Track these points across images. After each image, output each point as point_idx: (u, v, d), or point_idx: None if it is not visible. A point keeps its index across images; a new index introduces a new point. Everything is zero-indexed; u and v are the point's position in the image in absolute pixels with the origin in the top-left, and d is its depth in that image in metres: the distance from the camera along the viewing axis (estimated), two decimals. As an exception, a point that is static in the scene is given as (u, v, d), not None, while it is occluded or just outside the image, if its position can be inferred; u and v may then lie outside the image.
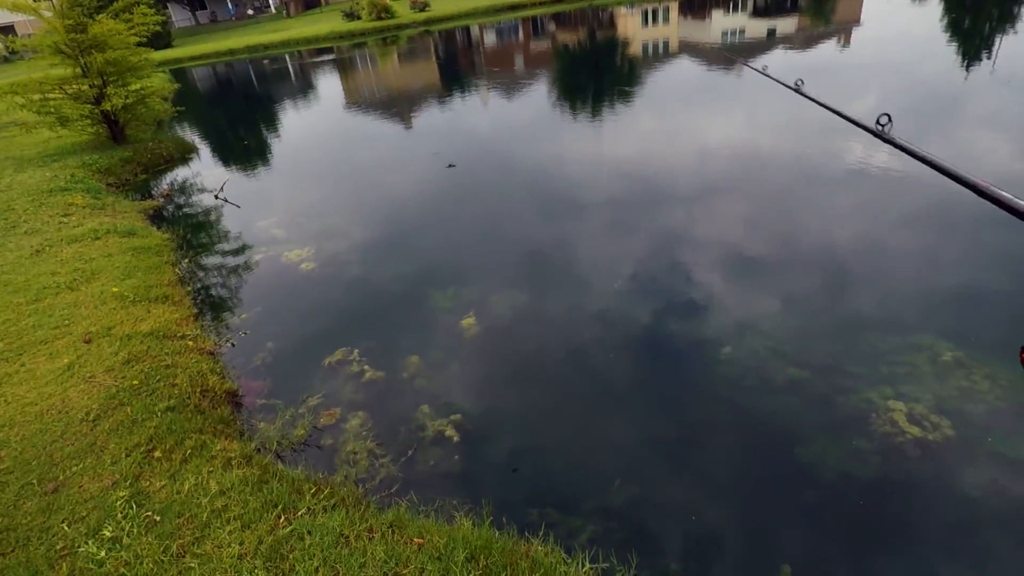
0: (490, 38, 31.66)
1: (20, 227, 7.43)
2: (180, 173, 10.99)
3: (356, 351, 4.52)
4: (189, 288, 5.98)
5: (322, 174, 10.05)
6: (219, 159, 11.99)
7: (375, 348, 4.57)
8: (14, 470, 3.27)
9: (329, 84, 22.47)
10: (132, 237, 7.07)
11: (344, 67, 27.49)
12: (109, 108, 10.80)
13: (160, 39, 36.01)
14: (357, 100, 17.68)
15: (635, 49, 19.72)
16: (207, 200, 9.04)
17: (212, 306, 5.62)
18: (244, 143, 13.37)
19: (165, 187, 9.81)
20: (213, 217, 8.32)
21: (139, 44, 11.41)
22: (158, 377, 4.08)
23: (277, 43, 38.21)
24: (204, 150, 12.67)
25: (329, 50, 33.95)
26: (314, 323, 5.18)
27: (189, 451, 3.32)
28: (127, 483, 3.08)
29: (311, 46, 36.59)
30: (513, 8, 39.60)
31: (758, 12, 24.65)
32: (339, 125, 14.35)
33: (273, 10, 54.56)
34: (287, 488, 2.93)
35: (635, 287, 4.99)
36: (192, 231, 7.84)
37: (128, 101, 11.00)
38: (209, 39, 44.01)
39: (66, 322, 4.91)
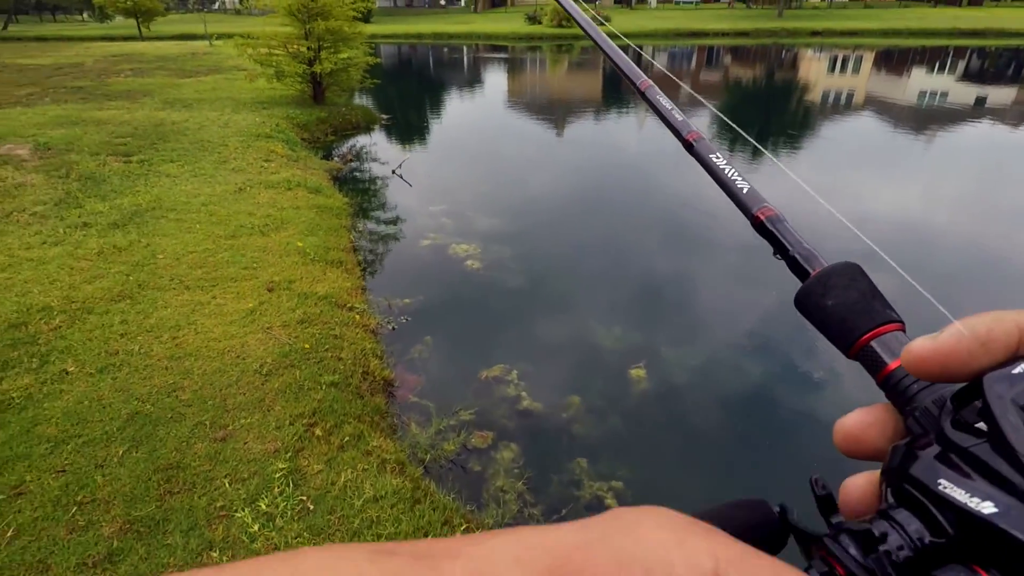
0: (660, 61, 30.88)
1: (229, 163, 8.07)
2: (362, 141, 11.55)
3: (515, 372, 4.30)
4: (360, 257, 6.11)
5: (489, 170, 10.09)
6: (396, 135, 12.48)
7: (534, 374, 4.32)
8: (192, 404, 3.36)
9: (497, 80, 23.15)
10: (318, 194, 7.41)
11: (513, 66, 28.10)
12: (319, 71, 11.57)
13: (365, 15, 39.01)
14: (519, 99, 18.04)
15: (814, 96, 18.24)
16: (383, 172, 9.36)
17: (379, 282, 5.67)
18: (420, 123, 13.87)
19: (349, 152, 10.31)
20: (388, 191, 8.57)
21: (354, 18, 12.18)
22: (326, 346, 4.10)
23: (461, 34, 39.91)
24: (385, 124, 13.29)
25: (503, 48, 34.95)
26: (474, 327, 5.04)
27: (347, 438, 3.24)
28: (287, 455, 3.04)
29: (490, 42, 37.85)
30: (695, 35, 38.51)
31: (969, 76, 21.74)
32: (499, 121, 14.47)
33: (463, 3, 57.12)
34: (438, 515, 2.74)
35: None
36: (367, 200, 8.12)
37: (336, 67, 11.71)
38: (403, 21, 46.90)
39: (254, 265, 5.14)
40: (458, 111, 15.94)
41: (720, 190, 0.65)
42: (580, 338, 4.88)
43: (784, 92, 19.58)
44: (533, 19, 40.91)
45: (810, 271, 0.47)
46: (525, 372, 4.33)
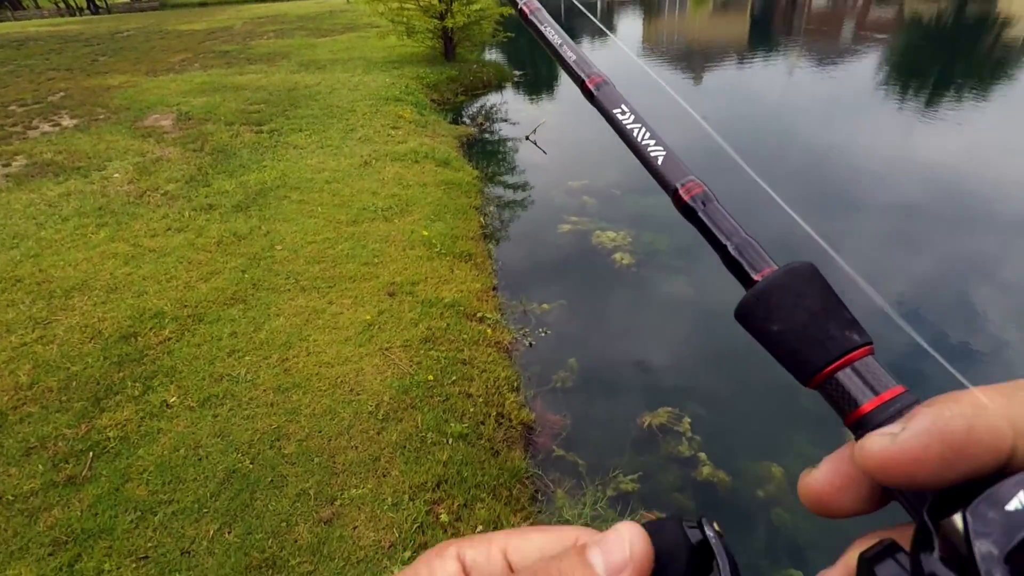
0: None
1: (357, 132, 7.54)
2: (493, 101, 10.66)
3: (687, 420, 3.28)
4: (491, 247, 5.28)
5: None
6: (528, 93, 11.43)
7: (713, 424, 3.28)
8: (297, 461, 2.72)
9: (630, 26, 21.24)
10: (446, 168, 6.66)
11: (650, 9, 25.65)
12: (451, 25, 10.73)
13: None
14: (654, 46, 16.51)
15: (1015, 33, 14.47)
16: (515, 137, 8.43)
17: (513, 280, 4.81)
18: (553, 80, 12.67)
19: (479, 114, 9.46)
20: (521, 161, 7.64)
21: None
22: (453, 376, 3.32)
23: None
24: (517, 80, 12.26)
25: None
26: (628, 348, 4.05)
27: (479, 526, 2.44)
28: (404, 552, 2.30)
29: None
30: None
31: None
32: (646, 77, 12.80)
33: (602, -57, 53.33)
34: None
35: None
36: (498, 172, 7.25)
37: (468, 20, 10.80)
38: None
39: (375, 260, 4.48)
40: (604, 65, 14.45)
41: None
42: (772, 374, 3.69)
43: (975, 29, 16.08)
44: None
45: (751, 274, 0.35)
46: (700, 420, 3.30)
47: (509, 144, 8.26)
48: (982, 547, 0.19)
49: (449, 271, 4.46)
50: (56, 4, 47.20)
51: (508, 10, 11.17)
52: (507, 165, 7.49)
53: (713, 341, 4.00)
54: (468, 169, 6.85)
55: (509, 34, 12.02)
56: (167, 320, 3.73)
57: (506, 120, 9.40)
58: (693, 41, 17.36)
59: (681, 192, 0.41)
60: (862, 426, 0.27)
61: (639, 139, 0.47)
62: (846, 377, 0.29)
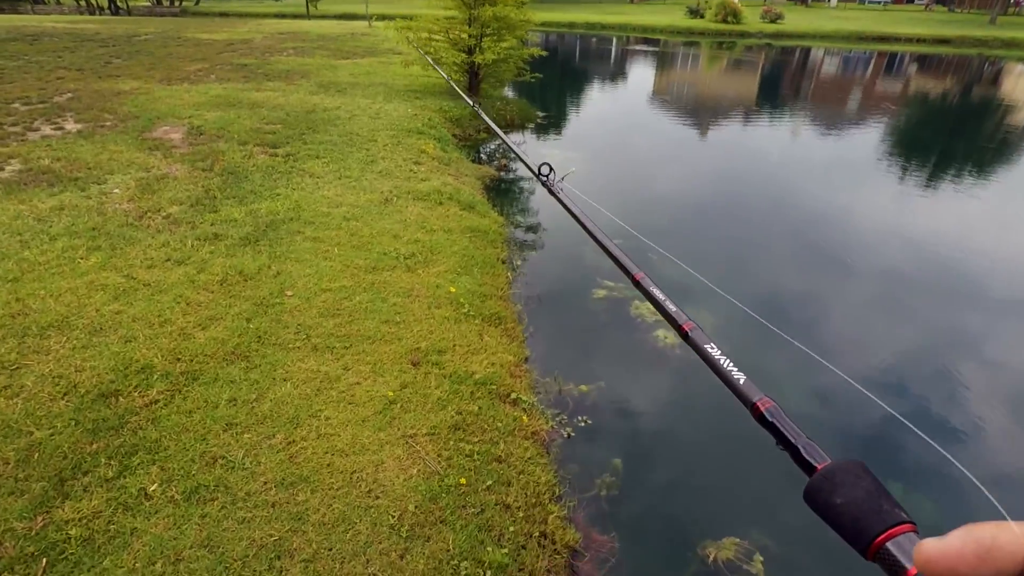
0: (830, 67, 27.14)
1: (377, 164, 7.12)
2: (517, 142, 10.34)
3: (758, 558, 2.78)
4: (522, 308, 4.80)
5: (665, 190, 8.44)
6: (552, 136, 11.13)
7: (792, 565, 2.77)
8: (299, 590, 2.19)
9: (643, 74, 21.50)
10: (471, 212, 6.24)
11: (663, 61, 26.00)
12: (480, 61, 10.48)
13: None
14: (663, 95, 16.72)
15: (1019, 119, 14.67)
16: (538, 183, 8.06)
17: (547, 350, 4.33)
18: (577, 123, 12.42)
19: (502, 156, 9.11)
20: (547, 210, 7.24)
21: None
22: (487, 480, 2.81)
23: (614, 25, 37.96)
24: (540, 122, 11.99)
25: (655, 42, 32.77)
26: (680, 454, 3.56)
27: None
28: None
29: (646, 34, 35.57)
30: (883, 39, 33.68)
31: None
32: (674, 129, 12.60)
33: (619, -8, 54.56)
34: None
35: None
36: (525, 220, 6.83)
37: (498, 58, 10.55)
38: (554, 9, 45.53)
39: (398, 317, 3.99)
40: (618, 112, 14.32)
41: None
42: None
43: (979, 111, 16.22)
44: (695, 12, 37.94)
45: (814, 465, 0.50)
46: (775, 558, 2.78)
47: (535, 191, 7.87)
48: None
49: (478, 337, 3.98)
50: (77, 2, 47.35)
51: (540, 51, 10.96)
52: (533, 214, 7.08)
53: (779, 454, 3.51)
54: (493, 215, 6.43)
55: (536, 75, 11.79)
56: (156, 376, 3.20)
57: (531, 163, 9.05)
58: (702, 95, 17.48)
59: (758, 404, 0.62)
60: None
61: (725, 367, 0.69)
62: (897, 546, 0.37)
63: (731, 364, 0.67)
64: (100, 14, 40.39)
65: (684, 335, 0.73)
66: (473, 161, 8.71)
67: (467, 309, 4.24)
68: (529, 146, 10.07)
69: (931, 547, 0.31)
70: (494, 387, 3.49)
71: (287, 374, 3.34)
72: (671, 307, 0.81)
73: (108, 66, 12.65)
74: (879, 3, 45.10)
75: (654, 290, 0.84)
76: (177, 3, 49.06)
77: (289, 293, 4.16)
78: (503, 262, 5.46)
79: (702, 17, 37.42)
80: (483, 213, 6.35)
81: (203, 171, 6.41)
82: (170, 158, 6.74)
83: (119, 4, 45.89)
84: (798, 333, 4.74)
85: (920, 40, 33.19)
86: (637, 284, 0.86)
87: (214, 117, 8.48)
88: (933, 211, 8.04)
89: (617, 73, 21.85)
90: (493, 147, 10.08)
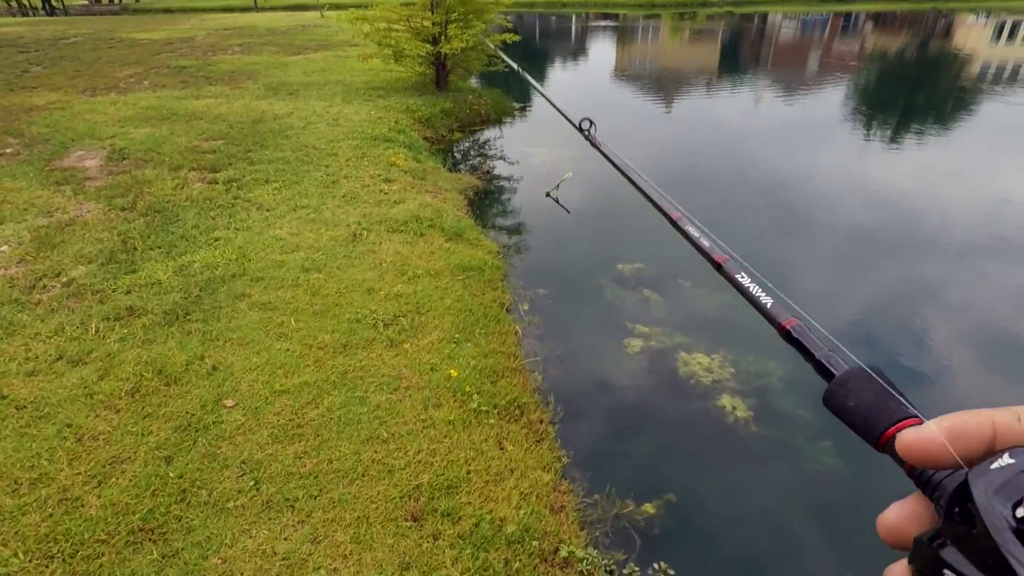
0: (788, 30, 26.60)
1: (340, 185, 5.83)
2: (494, 140, 9.08)
3: None
4: (541, 376, 3.66)
5: (681, 181, 7.31)
6: (531, 132, 9.88)
7: None
8: None
9: (604, 50, 20.71)
10: (459, 242, 5.03)
11: (623, 36, 25.03)
12: (447, 51, 9.13)
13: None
14: (626, 73, 16.17)
15: (973, 69, 14.73)
16: (529, 190, 6.87)
17: (586, 445, 3.20)
18: (555, 116, 11.19)
19: (484, 161, 7.85)
20: (545, 227, 6.07)
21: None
22: None
23: (576, 2, 36.58)
24: (517, 113, 10.71)
25: (614, 16, 31.59)
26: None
27: None
28: None
29: (607, 9, 34.34)
30: (845, 0, 32.99)
31: None
32: (666, 115, 11.48)
33: (576, -31, 52.74)
34: None
35: None
36: (522, 244, 5.64)
37: (466, 46, 9.21)
38: (514, -12, 43.74)
39: (383, 431, 2.81)
40: (597, 96, 13.12)
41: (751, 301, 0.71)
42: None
43: (935, 63, 16.45)
44: (654, -15, 36.56)
45: (834, 372, 0.52)
46: None
47: (525, 201, 6.67)
48: (978, 488, 0.28)
49: (497, 447, 2.83)
50: (7, 3, 43.61)
51: (513, 36, 9.65)
52: (531, 234, 5.88)
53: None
54: (486, 243, 5.23)
55: (505, 65, 10.47)
56: (8, 604, 1.98)
57: (513, 164, 7.82)
58: (665, 68, 16.97)
59: (784, 323, 0.64)
60: (914, 471, 0.36)
61: (754, 294, 0.72)
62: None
63: (759, 290, 0.71)
64: (33, 15, 37.17)
65: (718, 267, 0.80)
66: (450, 169, 7.45)
67: (476, 402, 3.07)
68: (512, 144, 8.81)
69: (909, 434, 0.34)
70: (535, 543, 2.36)
71: (225, 563, 2.15)
72: (704, 242, 0.86)
73: (24, 76, 10.90)
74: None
75: (689, 228, 0.90)
76: (117, 1, 45.63)
77: (229, 403, 2.93)
78: (507, 310, 4.29)
79: (663, -10, 36.17)
80: (474, 241, 5.14)
81: (122, 211, 5.05)
82: (81, 194, 5.34)
83: (54, 4, 42.41)
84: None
85: None
86: (674, 223, 0.94)
87: (142, 135, 7.03)
88: (885, 163, 8.14)
89: (580, 51, 21.00)
90: (468, 145, 8.81)
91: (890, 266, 5.28)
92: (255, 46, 15.18)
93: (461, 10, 9.27)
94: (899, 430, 0.40)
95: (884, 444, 0.41)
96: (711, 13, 32.64)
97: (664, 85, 14.26)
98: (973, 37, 21.97)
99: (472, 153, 8.45)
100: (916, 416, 0.41)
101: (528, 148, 8.42)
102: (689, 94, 13.19)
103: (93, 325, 3.48)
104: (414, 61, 9.70)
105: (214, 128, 7.41)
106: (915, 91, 13.50)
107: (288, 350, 3.34)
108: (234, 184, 5.68)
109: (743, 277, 0.75)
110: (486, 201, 6.64)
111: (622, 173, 1.26)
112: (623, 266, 5.04)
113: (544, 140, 8.82)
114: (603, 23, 30.02)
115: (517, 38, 9.74)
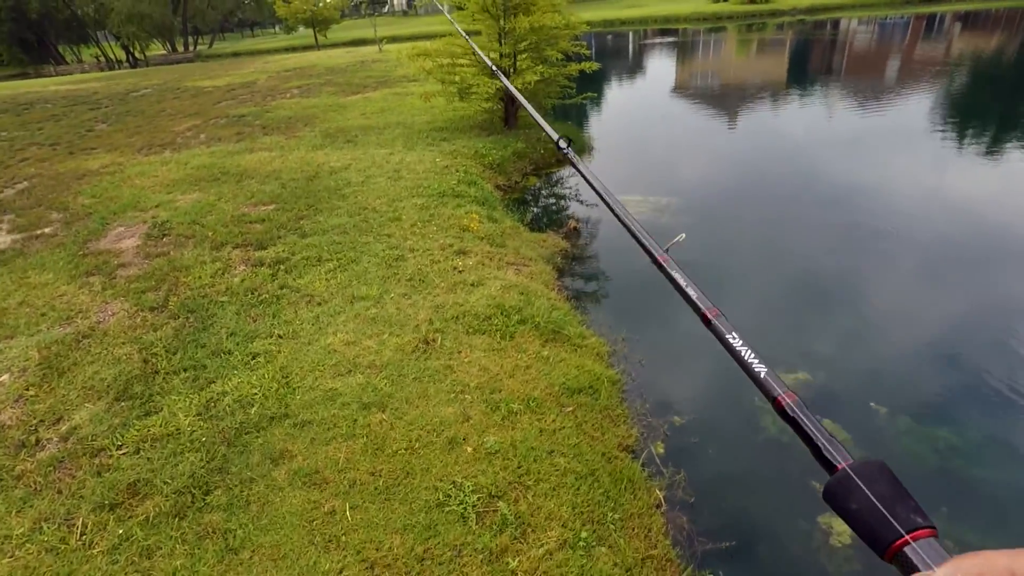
0: (864, 36, 24.44)
1: (406, 262, 4.79)
2: (572, 184, 7.91)
3: None
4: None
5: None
6: (617, 172, 8.65)
7: None
8: None
9: (664, 68, 19.65)
10: (557, 342, 3.85)
11: (684, 51, 23.56)
12: (520, 86, 8.07)
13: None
14: (686, 90, 15.01)
15: None
16: (628, 255, 5.62)
17: None
18: (638, 148, 9.90)
19: (569, 217, 6.67)
20: (653, 306, 4.80)
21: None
22: None
23: (634, 19, 35.34)
24: (593, 148, 9.52)
25: (673, 31, 30.14)
26: None
27: None
28: None
29: (669, 25, 32.88)
30: (932, 1, 30.21)
31: None
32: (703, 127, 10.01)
33: (630, -15, 51.55)
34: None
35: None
36: (629, 334, 4.37)
37: (539, 79, 8.13)
38: (571, 10, 42.99)
39: None
40: (651, 114, 11.88)
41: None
42: None
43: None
44: (717, -5, 34.94)
45: (835, 464, 0.49)
46: None
47: (626, 269, 5.43)
48: None
49: None
50: (97, 58, 46.73)
51: (592, 65, 8.49)
52: (641, 320, 4.62)
53: None
54: (590, 340, 4.02)
55: (589, 94, 9.34)
56: None
57: (602, 217, 6.61)
58: (728, 83, 15.90)
59: (780, 399, 0.60)
60: None
61: (746, 358, 0.66)
62: (914, 552, 0.37)
63: (753, 355, 0.64)
64: (119, 68, 39.50)
65: (707, 322, 0.72)
66: (530, 226, 6.32)
67: None
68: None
69: None
70: None
71: None
72: (692, 292, 0.77)
73: (87, 136, 10.68)
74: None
75: (675, 274, 0.82)
76: (191, 48, 48.10)
77: None
78: (642, 464, 3.04)
79: (726, 0, 34.41)
80: (576, 340, 3.94)
81: (151, 311, 4.17)
82: (110, 289, 4.53)
83: (136, 56, 45.11)
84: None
85: (972, -3, 29.70)
86: (660, 266, 0.86)
87: (188, 203, 6.30)
88: (979, 175, 7.19)
89: (637, 69, 19.94)
90: (545, 192, 7.68)
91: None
92: (314, 87, 14.76)
93: (532, 39, 8.23)
94: (908, 543, 0.38)
95: (893, 556, 0.39)
96: (781, 22, 30.63)
97: (725, 101, 13.25)
98: None
99: (551, 203, 7.32)
100: (928, 527, 0.39)
101: (619, 195, 7.14)
102: (752, 109, 12.01)
103: (81, 520, 2.49)
104: (480, 98, 8.72)
105: (265, 189, 6.60)
106: (1015, 97, 11.78)
107: (339, 564, 2.22)
108: (282, 267, 4.74)
109: (734, 338, 0.69)
110: (578, 271, 5.44)
111: (600, 197, 1.12)
112: (787, 376, 3.70)
113: (636, 184, 7.57)
114: (662, 40, 28.66)
115: (596, 66, 8.58)
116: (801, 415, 0.55)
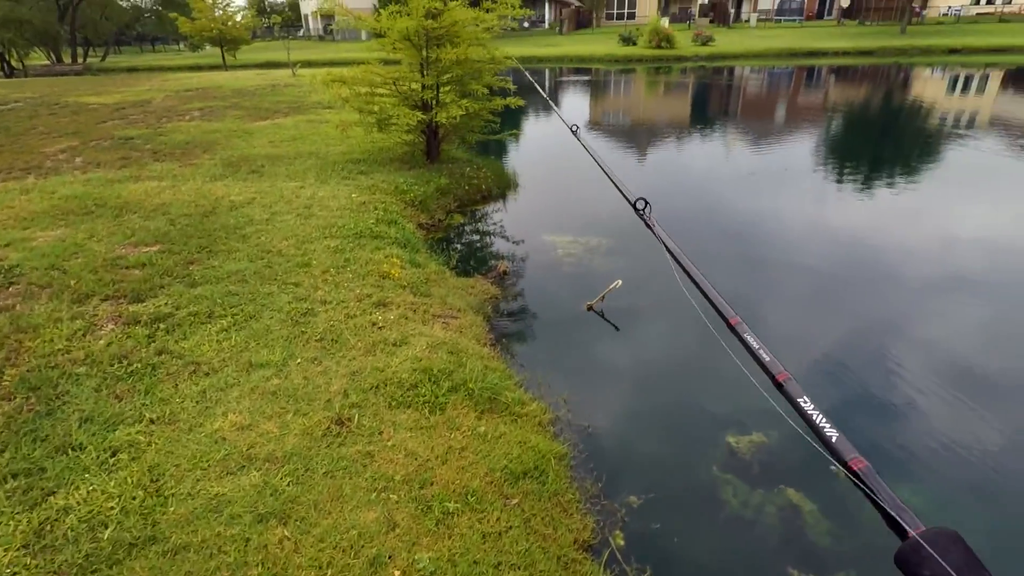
0: (756, 82, 26.63)
1: (316, 318, 4.13)
2: (500, 222, 7.53)
3: None
4: None
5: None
6: (544, 210, 8.38)
7: None
8: None
9: (577, 103, 20.66)
10: (495, 412, 3.37)
11: (597, 89, 24.62)
12: (444, 119, 7.65)
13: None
14: (599, 126, 15.63)
15: (930, 119, 15.13)
16: (562, 302, 5.27)
17: None
18: (556, 183, 9.74)
19: (497, 259, 6.25)
20: (593, 358, 4.43)
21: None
22: None
23: (550, 57, 36.37)
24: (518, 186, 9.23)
25: (587, 71, 31.29)
26: None
27: None
28: None
29: (583, 64, 34.09)
30: (812, 55, 33.31)
31: None
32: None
33: (547, 25, 53.36)
34: None
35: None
36: (570, 395, 3.95)
37: (467, 112, 7.75)
38: (494, 44, 43.60)
39: None
40: (567, 147, 11.93)
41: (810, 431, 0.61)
42: None
43: (897, 113, 16.74)
44: (628, 40, 36.70)
45: (907, 528, 0.51)
46: None
47: (561, 318, 5.04)
48: None
49: None
50: (-35, 65, 41.52)
51: (517, 100, 8.22)
52: (581, 376, 4.22)
53: None
54: (530, 407, 3.55)
55: (513, 131, 9.09)
56: None
57: (533, 259, 6.24)
58: (638, 122, 16.92)
59: (851, 464, 0.61)
60: None
61: (818, 423, 0.67)
62: None
63: (824, 420, 0.64)
64: (-9, 77, 35.26)
65: (778, 385, 0.72)
66: (456, 269, 5.83)
67: None
68: (525, 228, 7.22)
69: None
70: None
71: None
72: (765, 356, 0.79)
73: (-69, 155, 9.05)
74: (794, 20, 45.47)
75: (748, 337, 0.82)
76: (80, 60, 43.91)
77: None
78: (603, 565, 2.58)
79: (635, 44, 36.21)
80: (515, 408, 3.46)
81: (-22, 392, 3.24)
82: (-76, 359, 3.52)
83: (13, 65, 40.52)
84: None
85: (846, 53, 33.07)
86: (732, 328, 0.84)
87: (49, 242, 5.27)
88: (850, 208, 8.00)
89: (560, 106, 20.27)
90: (471, 231, 7.24)
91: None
92: (217, 110, 13.60)
93: (457, 71, 7.86)
94: None
95: None
96: (684, 67, 32.56)
97: (637, 138, 14.07)
98: (930, 89, 22.16)
99: (478, 242, 6.87)
100: None
101: (547, 235, 6.83)
102: (660, 146, 12.77)
103: None
104: (401, 130, 8.20)
105: (149, 227, 5.68)
106: (881, 138, 13.68)
107: None
108: (162, 326, 3.93)
109: (806, 403, 0.69)
110: (511, 321, 4.98)
111: (679, 264, 1.10)
112: (735, 439, 3.40)
113: (565, 223, 7.29)
114: (577, 78, 29.60)
115: (521, 102, 8.33)
116: (872, 483, 0.56)
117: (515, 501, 2.73)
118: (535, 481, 2.90)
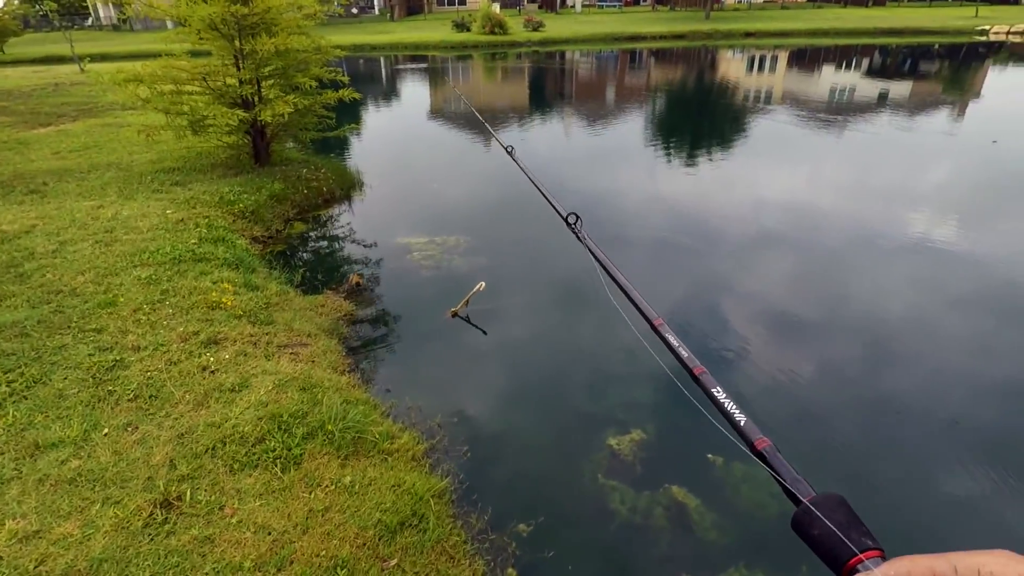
0: (586, 65, 28.40)
1: (128, 373, 3.38)
2: (347, 227, 6.96)
3: None
4: None
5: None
6: (395, 210, 7.92)
7: None
8: None
9: (419, 92, 20.37)
10: (360, 455, 2.99)
11: (435, 77, 24.49)
12: (269, 118, 6.84)
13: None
14: (442, 112, 16.14)
15: (734, 95, 17.43)
16: (424, 309, 4.95)
17: None
18: (409, 180, 9.32)
19: (348, 270, 5.71)
20: (463, 370, 4.19)
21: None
22: None
23: (384, 45, 35.13)
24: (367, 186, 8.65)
25: (423, 59, 30.90)
26: None
27: None
28: None
29: (418, 52, 33.38)
30: (633, 39, 35.79)
31: (872, 72, 21.77)
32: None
33: (376, 12, 51.43)
34: None
35: None
36: (442, 417, 3.67)
37: (297, 109, 6.99)
38: (320, 33, 40.92)
39: None
40: (417, 136, 11.75)
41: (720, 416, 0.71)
42: None
43: (709, 91, 18.86)
44: (461, 26, 36.53)
45: (801, 498, 0.56)
46: None
47: (424, 328, 4.71)
48: None
49: None
50: None
51: (354, 94, 7.62)
52: (452, 393, 3.94)
53: None
54: (400, 439, 3.21)
55: (351, 125, 8.44)
56: None
57: (388, 265, 5.82)
58: (479, 108, 17.32)
59: (756, 443, 0.66)
60: None
61: (728, 409, 0.73)
62: (865, 569, 0.45)
63: (735, 407, 0.72)
64: None
65: (695, 378, 0.80)
66: (301, 287, 5.22)
67: None
68: (376, 231, 6.72)
69: None
70: None
71: None
72: (684, 352, 0.86)
73: None
74: (614, 6, 48.52)
75: (669, 336, 0.88)
76: None
77: None
78: (493, 610, 2.36)
79: (469, 30, 36.18)
80: (385, 446, 3.10)
81: None
82: None
83: None
84: None
85: (662, 37, 35.95)
86: (655, 329, 0.92)
87: None
88: (676, 178, 8.80)
89: (393, 94, 19.90)
90: (315, 239, 6.59)
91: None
92: (-21, 116, 11.09)
93: (279, 64, 7.05)
94: (861, 561, 0.46)
95: (848, 573, 0.46)
96: (519, 52, 33.23)
97: (480, 125, 13.89)
98: (732, 70, 24.99)
99: (326, 252, 6.25)
100: (876, 548, 0.47)
101: (401, 237, 6.41)
102: (505, 131, 12.92)
103: None
104: (219, 131, 7.21)
105: None
106: (698, 113, 15.28)
107: None
108: None
109: (719, 392, 0.76)
110: (369, 339, 4.54)
111: (604, 270, 1.19)
112: (616, 440, 3.37)
113: (418, 223, 6.90)
114: (414, 65, 28.90)
115: (357, 96, 7.71)
116: (772, 458, 0.62)
117: (394, 562, 2.40)
118: (414, 531, 2.59)
